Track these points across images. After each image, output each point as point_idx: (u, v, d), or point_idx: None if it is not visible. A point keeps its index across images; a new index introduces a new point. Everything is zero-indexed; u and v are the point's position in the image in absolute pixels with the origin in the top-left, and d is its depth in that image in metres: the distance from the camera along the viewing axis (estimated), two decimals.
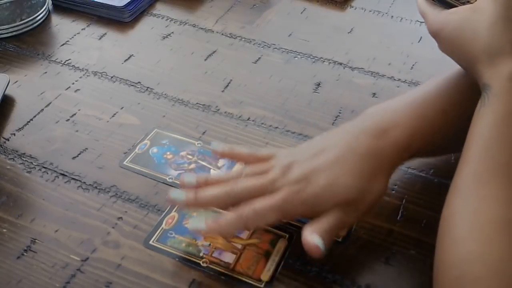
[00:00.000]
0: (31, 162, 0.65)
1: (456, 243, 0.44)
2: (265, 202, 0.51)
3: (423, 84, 0.59)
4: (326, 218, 0.51)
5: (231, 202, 0.53)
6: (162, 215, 0.59)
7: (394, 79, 0.78)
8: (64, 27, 0.89)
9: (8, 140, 0.68)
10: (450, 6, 0.54)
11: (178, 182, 0.58)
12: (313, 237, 0.49)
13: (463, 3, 0.54)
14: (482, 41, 0.49)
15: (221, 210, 0.58)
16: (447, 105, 0.55)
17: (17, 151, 0.66)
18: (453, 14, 0.53)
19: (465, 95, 0.54)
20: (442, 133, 0.55)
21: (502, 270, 0.41)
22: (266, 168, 0.54)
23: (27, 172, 0.64)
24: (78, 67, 0.80)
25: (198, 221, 0.52)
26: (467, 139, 0.48)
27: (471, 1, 0.53)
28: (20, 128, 0.70)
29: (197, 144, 0.67)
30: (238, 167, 0.64)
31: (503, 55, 0.48)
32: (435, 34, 0.54)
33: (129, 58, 0.82)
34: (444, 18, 0.53)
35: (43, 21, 0.89)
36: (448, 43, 0.53)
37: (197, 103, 0.74)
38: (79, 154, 0.66)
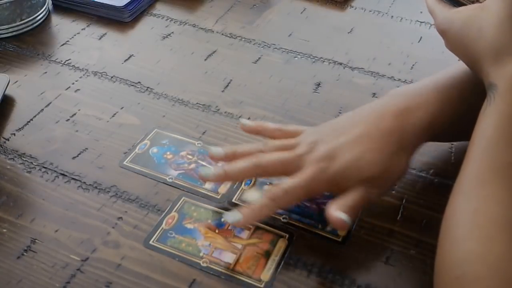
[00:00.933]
0: (31, 162, 0.65)
1: (457, 242, 0.44)
2: (293, 182, 0.54)
3: (448, 68, 0.59)
4: (350, 195, 0.53)
5: (259, 174, 0.56)
6: (162, 215, 0.59)
7: (394, 79, 0.78)
8: (64, 27, 0.89)
9: (8, 140, 0.68)
10: (459, 4, 0.54)
11: (208, 153, 0.61)
12: (338, 213, 0.51)
13: (472, 2, 0.53)
14: (489, 40, 0.49)
15: (221, 210, 0.58)
16: (470, 91, 0.56)
17: (17, 151, 0.66)
18: (461, 12, 0.53)
19: None
20: (464, 118, 0.55)
21: (502, 270, 0.41)
22: (293, 143, 0.57)
23: (27, 172, 0.64)
24: (78, 67, 0.80)
25: (234, 214, 0.54)
26: (472, 138, 0.48)
27: (480, 0, 0.53)
28: (20, 128, 0.70)
29: (197, 144, 0.67)
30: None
31: (510, 54, 0.48)
32: (443, 32, 0.54)
33: (129, 58, 0.82)
34: (451, 16, 0.53)
35: (43, 21, 0.89)
36: (455, 41, 0.53)
37: (197, 103, 0.74)
38: (79, 154, 0.66)
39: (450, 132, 0.60)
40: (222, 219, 0.56)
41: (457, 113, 0.56)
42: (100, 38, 0.86)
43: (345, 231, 0.57)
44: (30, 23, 0.86)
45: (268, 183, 0.62)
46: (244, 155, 0.58)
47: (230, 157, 0.58)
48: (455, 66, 0.59)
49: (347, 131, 0.56)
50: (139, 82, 0.77)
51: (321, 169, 0.54)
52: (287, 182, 0.54)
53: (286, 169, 0.55)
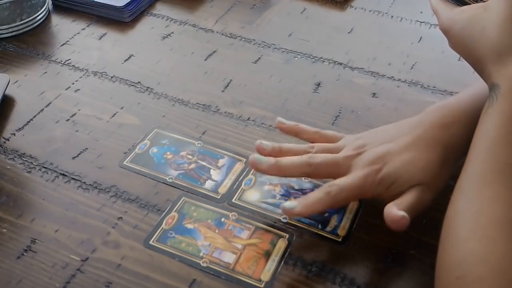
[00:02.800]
0: (31, 162, 0.65)
1: (459, 243, 0.44)
2: (348, 180, 0.55)
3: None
4: (406, 197, 0.53)
5: (309, 172, 0.57)
6: (162, 215, 0.59)
7: (394, 79, 0.78)
8: (64, 27, 0.89)
9: (8, 140, 0.68)
10: (462, 3, 0.54)
11: (256, 146, 0.60)
12: (398, 211, 0.52)
13: (476, 1, 0.53)
14: (492, 40, 0.49)
15: (223, 211, 0.58)
16: None
17: (17, 151, 0.66)
18: (464, 12, 0.53)
19: None
20: None
21: (504, 270, 0.41)
22: (337, 146, 0.59)
23: (27, 172, 0.64)
24: (78, 67, 0.80)
25: (290, 203, 0.55)
26: (474, 138, 0.48)
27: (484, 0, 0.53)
28: (20, 128, 0.70)
29: (197, 144, 0.67)
30: (238, 166, 0.64)
31: None
32: (446, 31, 0.54)
33: (129, 58, 0.82)
34: (455, 16, 0.53)
35: (43, 21, 0.89)
36: (458, 41, 0.53)
37: (197, 103, 0.74)
38: (79, 154, 0.66)
39: None
40: (280, 207, 0.57)
41: None
42: (100, 38, 0.86)
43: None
44: (30, 23, 0.86)
45: (268, 183, 0.62)
46: (290, 153, 0.58)
47: (276, 152, 0.59)
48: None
49: (393, 140, 0.57)
50: (139, 82, 0.77)
51: (374, 171, 0.54)
52: (343, 180, 0.55)
53: (337, 170, 0.56)
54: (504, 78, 0.47)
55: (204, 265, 0.54)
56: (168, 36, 0.86)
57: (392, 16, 0.92)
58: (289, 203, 0.55)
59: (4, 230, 0.57)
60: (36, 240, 0.56)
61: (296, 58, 0.82)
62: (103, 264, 0.54)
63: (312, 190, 0.61)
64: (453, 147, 0.56)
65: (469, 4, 0.54)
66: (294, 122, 0.64)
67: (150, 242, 0.56)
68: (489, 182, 0.45)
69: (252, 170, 0.63)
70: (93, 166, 0.64)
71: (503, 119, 0.46)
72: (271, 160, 0.57)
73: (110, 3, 0.88)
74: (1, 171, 0.64)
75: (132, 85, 0.77)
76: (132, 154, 0.66)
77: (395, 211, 0.52)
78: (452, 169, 0.56)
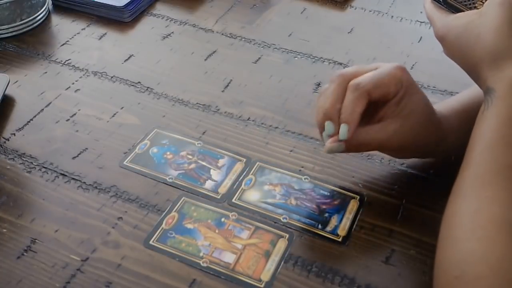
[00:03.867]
0: (31, 162, 0.65)
1: (458, 243, 0.44)
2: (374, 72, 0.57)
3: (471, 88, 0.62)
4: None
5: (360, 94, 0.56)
6: (162, 215, 0.59)
7: None
8: (64, 27, 0.89)
9: (8, 140, 0.68)
10: (457, 10, 0.54)
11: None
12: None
13: (470, 8, 0.54)
14: (487, 45, 0.49)
15: (223, 211, 0.58)
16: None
17: (17, 151, 0.66)
18: (459, 18, 0.53)
19: None
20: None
21: (503, 269, 0.41)
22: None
23: (27, 172, 0.64)
24: (78, 67, 0.80)
25: (342, 131, 0.55)
26: (470, 141, 0.48)
27: (478, 6, 0.53)
28: (20, 128, 0.70)
29: (197, 144, 0.67)
30: (238, 166, 0.64)
31: (507, 59, 0.48)
32: (441, 38, 0.54)
33: (129, 58, 0.82)
34: (450, 23, 0.53)
35: (43, 21, 0.89)
36: (453, 47, 0.53)
37: (197, 103, 0.74)
38: (79, 154, 0.66)
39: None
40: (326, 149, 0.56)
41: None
42: (100, 38, 0.86)
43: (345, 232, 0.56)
44: (30, 23, 0.86)
45: (268, 183, 0.62)
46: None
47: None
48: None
49: None
50: (139, 82, 0.77)
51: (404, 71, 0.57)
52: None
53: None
54: (500, 81, 0.48)
55: (204, 265, 0.54)
56: (168, 36, 0.86)
57: (392, 16, 0.92)
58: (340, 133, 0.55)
59: (4, 230, 0.57)
60: (36, 240, 0.56)
61: (296, 58, 0.82)
62: (103, 264, 0.54)
63: (312, 190, 0.62)
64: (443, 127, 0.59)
65: (463, 10, 0.54)
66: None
67: (150, 242, 0.56)
68: (487, 183, 0.45)
69: (252, 170, 0.64)
70: (93, 166, 0.64)
71: (499, 122, 0.47)
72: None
73: (110, 3, 0.88)
74: (1, 171, 0.64)
75: (132, 85, 0.77)
76: (132, 154, 0.66)
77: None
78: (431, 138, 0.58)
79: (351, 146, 0.56)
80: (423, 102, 0.57)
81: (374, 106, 0.57)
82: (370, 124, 0.57)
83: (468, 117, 0.59)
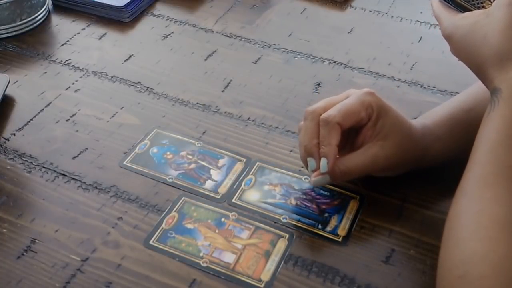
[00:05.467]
0: (31, 162, 0.65)
1: (461, 243, 0.44)
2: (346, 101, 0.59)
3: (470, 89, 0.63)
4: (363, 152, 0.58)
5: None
6: (162, 215, 0.59)
7: (394, 79, 0.78)
8: (64, 27, 0.89)
9: (8, 140, 0.68)
10: (464, 9, 0.54)
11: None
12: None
13: (478, 7, 0.53)
14: (494, 45, 0.49)
15: (223, 211, 0.58)
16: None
17: (17, 151, 0.66)
18: (466, 18, 0.53)
19: None
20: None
21: (506, 269, 0.41)
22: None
23: (27, 172, 0.64)
24: (78, 67, 0.80)
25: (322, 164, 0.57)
26: (476, 141, 0.48)
27: (486, 6, 0.53)
28: (20, 128, 0.70)
29: (197, 144, 0.67)
30: (238, 166, 0.64)
31: None
32: (448, 38, 0.54)
33: (129, 58, 0.82)
34: (457, 22, 0.53)
35: (43, 21, 0.89)
36: (460, 47, 0.53)
37: (197, 103, 0.74)
38: (79, 154, 0.66)
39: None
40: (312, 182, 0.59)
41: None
42: (100, 38, 0.86)
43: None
44: (30, 23, 0.86)
45: (268, 183, 0.62)
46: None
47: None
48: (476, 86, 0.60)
49: None
50: (139, 82, 0.77)
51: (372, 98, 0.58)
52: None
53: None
54: (506, 82, 0.48)
55: (204, 265, 0.54)
56: (168, 36, 0.86)
57: (392, 16, 0.92)
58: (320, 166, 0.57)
59: (4, 230, 0.57)
60: (36, 240, 0.56)
61: (296, 58, 0.82)
62: (103, 264, 0.54)
63: (312, 190, 0.62)
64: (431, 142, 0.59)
65: (471, 10, 0.54)
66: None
67: (150, 242, 0.56)
68: (490, 184, 0.45)
69: (252, 170, 0.64)
70: (93, 166, 0.64)
71: (504, 123, 0.47)
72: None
73: (110, 3, 0.88)
74: (1, 171, 0.64)
75: (132, 85, 0.77)
76: (132, 154, 0.66)
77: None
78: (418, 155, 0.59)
79: (336, 175, 0.57)
80: (398, 120, 0.58)
81: (354, 133, 0.59)
82: (353, 151, 0.58)
83: (454, 124, 0.61)
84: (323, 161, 0.56)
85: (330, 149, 0.56)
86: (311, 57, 0.82)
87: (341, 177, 0.58)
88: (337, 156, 0.57)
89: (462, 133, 0.59)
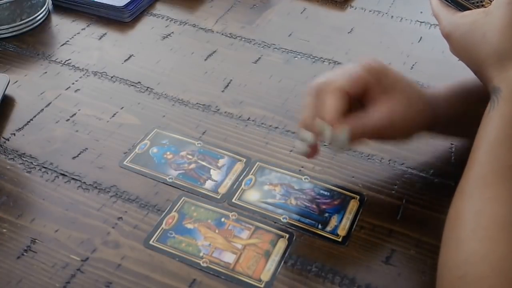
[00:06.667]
0: (31, 162, 0.65)
1: (461, 243, 0.44)
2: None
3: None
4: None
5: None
6: (162, 215, 0.59)
7: None
8: (64, 27, 0.89)
9: (8, 140, 0.68)
10: (464, 8, 0.54)
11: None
12: None
13: (477, 6, 0.53)
14: (493, 44, 0.49)
15: (223, 211, 0.58)
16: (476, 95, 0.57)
17: (17, 151, 0.66)
18: (465, 17, 0.53)
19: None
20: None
21: (506, 269, 0.41)
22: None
23: (27, 172, 0.64)
24: (78, 67, 0.80)
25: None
26: (475, 140, 0.48)
27: (485, 4, 0.53)
28: (20, 128, 0.70)
29: (197, 144, 0.67)
30: (238, 166, 0.64)
31: None
32: (447, 36, 0.54)
33: (129, 58, 0.82)
34: (456, 21, 0.53)
35: (43, 21, 0.89)
36: (459, 46, 0.53)
37: (197, 103, 0.74)
38: (79, 154, 0.66)
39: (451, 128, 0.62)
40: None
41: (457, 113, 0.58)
42: (100, 38, 0.86)
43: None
44: (30, 23, 0.86)
45: (268, 183, 0.62)
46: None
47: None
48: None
49: None
50: (139, 82, 0.77)
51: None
52: None
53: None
54: (505, 82, 0.48)
55: (204, 265, 0.54)
56: (168, 36, 0.86)
57: (392, 16, 0.92)
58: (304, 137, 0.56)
59: (4, 230, 0.57)
60: (36, 240, 0.56)
61: (296, 58, 0.82)
62: (103, 264, 0.54)
63: (312, 190, 0.62)
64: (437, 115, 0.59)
65: (470, 9, 0.54)
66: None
67: (150, 242, 0.56)
68: (489, 184, 0.45)
69: (252, 170, 0.64)
70: (93, 166, 0.64)
71: (504, 122, 0.47)
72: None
73: (110, 3, 0.88)
74: (1, 171, 0.64)
75: (132, 85, 0.77)
76: (132, 154, 0.66)
77: None
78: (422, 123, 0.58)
79: (356, 135, 0.55)
80: (401, 76, 0.58)
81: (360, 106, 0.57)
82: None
83: (465, 91, 0.60)
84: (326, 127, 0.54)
85: (331, 111, 0.54)
86: (311, 57, 0.82)
87: (361, 134, 0.56)
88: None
89: (470, 99, 0.59)
